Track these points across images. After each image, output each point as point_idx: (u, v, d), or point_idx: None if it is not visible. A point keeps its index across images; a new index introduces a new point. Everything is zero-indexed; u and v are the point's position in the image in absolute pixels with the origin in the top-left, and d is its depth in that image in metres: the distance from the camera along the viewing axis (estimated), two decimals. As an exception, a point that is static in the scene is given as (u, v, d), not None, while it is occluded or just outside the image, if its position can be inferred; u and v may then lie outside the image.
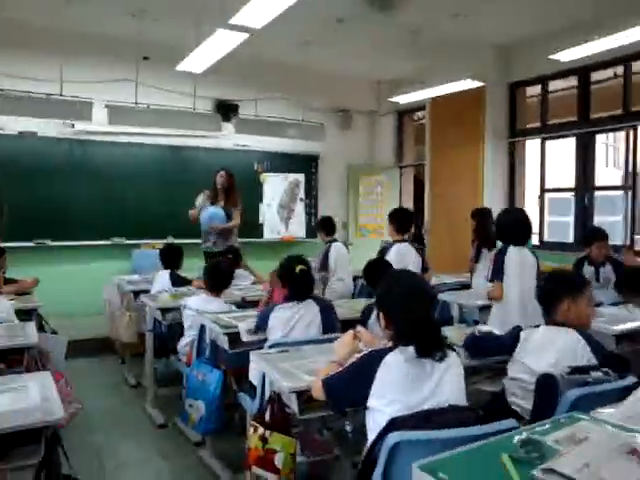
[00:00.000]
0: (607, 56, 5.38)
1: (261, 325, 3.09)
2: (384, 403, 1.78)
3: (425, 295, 1.93)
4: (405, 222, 4.62)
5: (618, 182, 9.95)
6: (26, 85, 6.23)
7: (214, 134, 7.45)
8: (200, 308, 3.68)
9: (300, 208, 8.58)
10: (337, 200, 8.99)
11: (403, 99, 7.08)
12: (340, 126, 8.70)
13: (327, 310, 3.16)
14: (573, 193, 6.53)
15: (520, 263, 3.52)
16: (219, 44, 4.74)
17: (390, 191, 9.19)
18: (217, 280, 3.85)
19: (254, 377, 2.62)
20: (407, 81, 8.21)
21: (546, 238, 6.95)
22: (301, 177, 8.54)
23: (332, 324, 3.12)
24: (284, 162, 8.35)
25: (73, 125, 6.68)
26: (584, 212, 6.37)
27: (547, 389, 2.02)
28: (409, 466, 1.42)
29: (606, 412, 1.78)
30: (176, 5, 5.67)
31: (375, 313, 2.35)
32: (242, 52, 5.47)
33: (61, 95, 6.19)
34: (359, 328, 2.34)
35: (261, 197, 8.20)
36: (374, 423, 1.80)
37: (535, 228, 7.03)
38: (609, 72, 6.28)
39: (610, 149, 11.38)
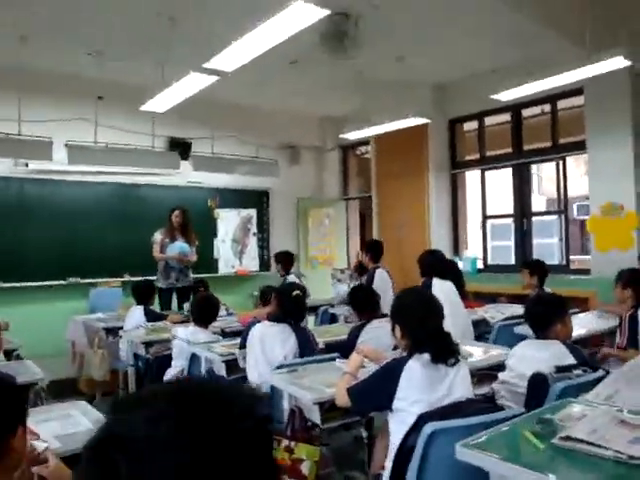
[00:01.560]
0: (536, 95, 5.98)
1: (243, 341, 3.29)
2: (409, 403, 2.05)
3: (436, 308, 2.23)
4: (379, 251, 5.14)
5: (543, 207, 10.81)
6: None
7: (168, 171, 7.57)
8: (190, 339, 3.82)
9: (253, 242, 8.78)
10: (288, 233, 9.25)
11: (352, 136, 7.50)
12: (289, 162, 9.02)
13: (303, 334, 3.36)
14: (512, 219, 7.11)
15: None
16: (188, 86, 4.96)
17: (337, 223, 9.58)
18: (206, 312, 4.00)
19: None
20: (351, 118, 8.68)
21: (490, 262, 7.48)
22: (253, 212, 8.77)
23: (310, 346, 3.33)
24: (236, 197, 8.55)
25: (27, 164, 6.66)
26: (523, 236, 6.95)
27: (538, 385, 2.35)
28: (442, 452, 1.70)
29: (588, 396, 2.13)
30: (134, 47, 5.86)
31: (385, 327, 2.62)
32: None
33: (19, 134, 6.16)
34: (362, 347, 2.62)
35: (215, 232, 8.34)
36: (399, 423, 2.06)
37: (479, 253, 7.58)
38: (538, 109, 6.93)
39: (535, 177, 12.31)
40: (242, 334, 3.33)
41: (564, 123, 6.60)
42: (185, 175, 7.88)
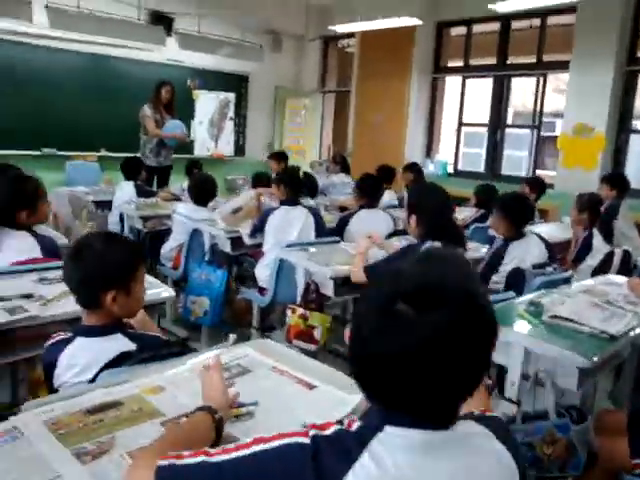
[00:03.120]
0: (529, 9, 6.06)
1: (260, 227, 3.56)
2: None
3: (450, 203, 2.54)
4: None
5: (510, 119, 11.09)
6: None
7: (150, 47, 7.34)
8: (191, 215, 4.03)
9: (230, 126, 8.79)
10: (264, 121, 9.27)
11: (340, 29, 7.41)
12: (270, 48, 8.84)
13: (317, 215, 3.69)
14: (486, 128, 7.40)
15: None
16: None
17: (313, 115, 9.63)
18: (205, 192, 4.18)
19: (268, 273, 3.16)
20: (337, 8, 8.51)
21: (460, 167, 7.83)
22: (231, 96, 8.70)
23: (323, 227, 3.66)
24: (216, 80, 8.42)
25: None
26: (495, 146, 7.28)
27: (517, 278, 2.75)
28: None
29: (564, 290, 2.55)
30: None
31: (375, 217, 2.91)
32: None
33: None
34: (374, 233, 2.93)
35: (192, 114, 8.28)
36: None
37: (451, 158, 7.90)
38: (527, 22, 7.01)
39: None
40: (258, 221, 3.57)
41: (550, 39, 6.74)
42: (164, 52, 7.67)
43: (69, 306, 1.89)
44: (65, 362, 1.44)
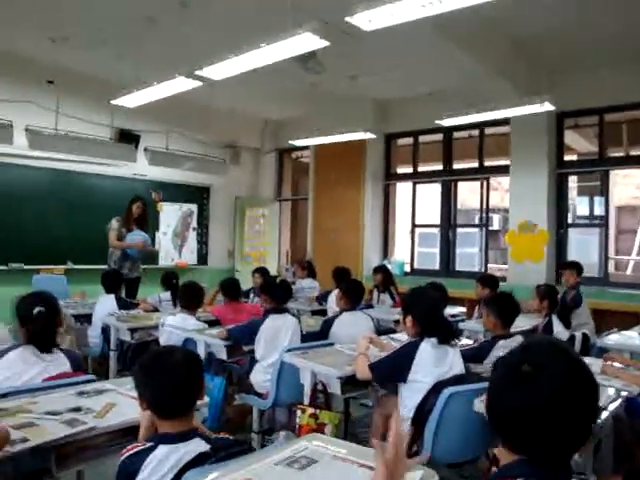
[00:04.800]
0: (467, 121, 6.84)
1: (253, 335, 3.76)
2: (422, 375, 2.65)
3: (440, 302, 2.86)
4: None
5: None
6: None
7: (117, 162, 7.68)
8: (180, 326, 4.18)
9: (192, 236, 9.08)
10: (225, 230, 9.63)
11: (300, 142, 8.00)
12: (230, 160, 9.38)
13: (298, 320, 3.95)
14: (438, 229, 7.98)
15: None
16: (169, 87, 5.27)
17: (271, 222, 10.08)
18: (193, 298, 4.36)
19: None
20: (291, 123, 9.23)
21: (416, 266, 8.32)
22: (194, 207, 9.07)
23: (302, 331, 3.91)
24: (179, 192, 8.80)
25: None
26: (447, 244, 7.84)
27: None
28: (456, 410, 2.32)
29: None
30: (99, 39, 6.00)
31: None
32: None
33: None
34: (371, 335, 3.20)
35: (157, 225, 8.54)
36: (413, 391, 2.66)
37: (407, 258, 8.39)
38: (466, 132, 7.84)
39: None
40: (247, 330, 3.77)
41: (489, 146, 7.55)
42: (131, 167, 8.02)
43: (119, 417, 2.05)
44: (149, 469, 1.59)
